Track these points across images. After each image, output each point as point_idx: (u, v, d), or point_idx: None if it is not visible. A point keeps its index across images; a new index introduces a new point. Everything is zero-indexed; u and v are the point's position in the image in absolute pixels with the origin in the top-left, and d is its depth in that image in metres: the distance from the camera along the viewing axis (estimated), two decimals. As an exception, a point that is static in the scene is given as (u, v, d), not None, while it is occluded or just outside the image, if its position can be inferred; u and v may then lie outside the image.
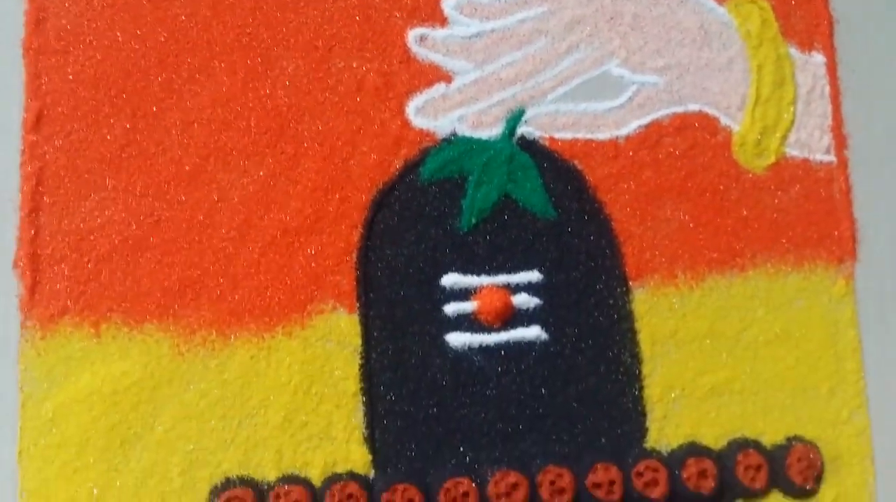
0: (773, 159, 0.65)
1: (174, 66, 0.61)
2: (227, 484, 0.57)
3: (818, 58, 0.66)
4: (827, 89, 0.66)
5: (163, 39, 0.62)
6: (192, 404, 0.58)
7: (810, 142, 0.65)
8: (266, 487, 0.57)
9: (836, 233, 0.65)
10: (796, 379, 0.62)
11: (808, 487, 0.61)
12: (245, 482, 0.57)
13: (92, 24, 0.61)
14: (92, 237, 0.59)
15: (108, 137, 0.60)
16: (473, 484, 0.58)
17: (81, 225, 0.59)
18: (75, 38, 0.61)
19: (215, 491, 0.57)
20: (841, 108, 0.67)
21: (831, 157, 0.65)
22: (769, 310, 0.63)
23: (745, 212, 0.64)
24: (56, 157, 0.60)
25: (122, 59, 0.61)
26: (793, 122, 0.65)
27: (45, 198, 0.59)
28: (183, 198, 0.60)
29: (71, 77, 0.61)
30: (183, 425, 0.57)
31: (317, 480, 0.58)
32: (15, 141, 0.60)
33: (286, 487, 0.57)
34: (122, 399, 0.57)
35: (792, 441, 0.62)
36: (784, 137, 0.65)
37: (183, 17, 0.62)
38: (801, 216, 0.64)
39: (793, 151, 0.65)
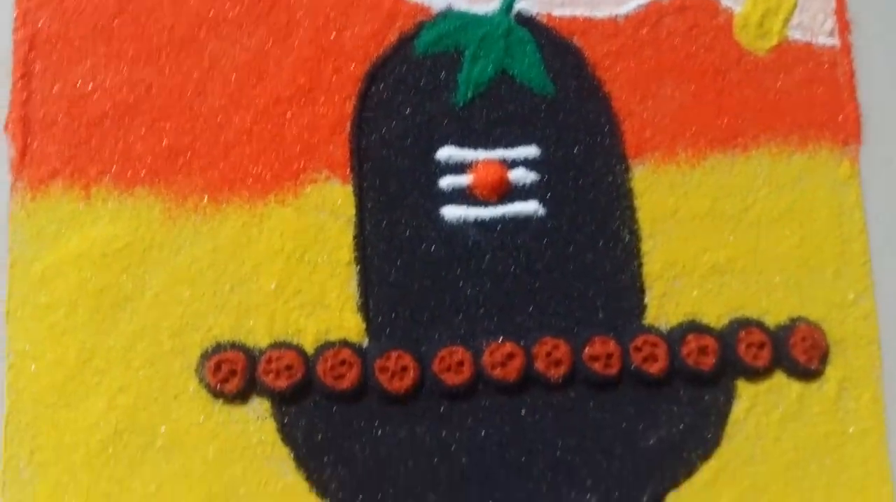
0: (775, 41, 0.64)
1: (168, -66, 0.61)
2: (218, 348, 0.56)
3: (821, -60, 0.65)
4: (830, -28, 0.65)
5: None
6: (182, 268, 0.57)
7: (813, 26, 0.64)
8: (258, 352, 0.56)
9: (840, 116, 0.63)
10: (800, 259, 0.61)
11: (812, 367, 0.60)
12: (236, 346, 0.56)
13: None
14: (83, 102, 0.59)
15: (101, 4, 0.59)
16: (468, 354, 0.57)
17: (73, 90, 0.59)
18: None
19: (206, 355, 0.56)
20: (844, -9, 0.65)
21: (834, 41, 0.64)
22: (772, 189, 0.62)
23: (747, 93, 0.63)
24: (49, 24, 0.60)
25: (115, -74, 0.61)
26: (795, 4, 0.65)
27: (37, 63, 0.59)
28: (174, 65, 0.59)
29: (64, -56, 0.60)
30: (173, 289, 0.57)
31: (309, 347, 0.57)
32: (8, 7, 0.59)
33: (278, 352, 0.55)
34: (112, 262, 0.56)
35: (796, 321, 0.60)
36: (786, 20, 0.64)
37: None
38: (804, 99, 0.63)
39: (795, 34, 0.64)
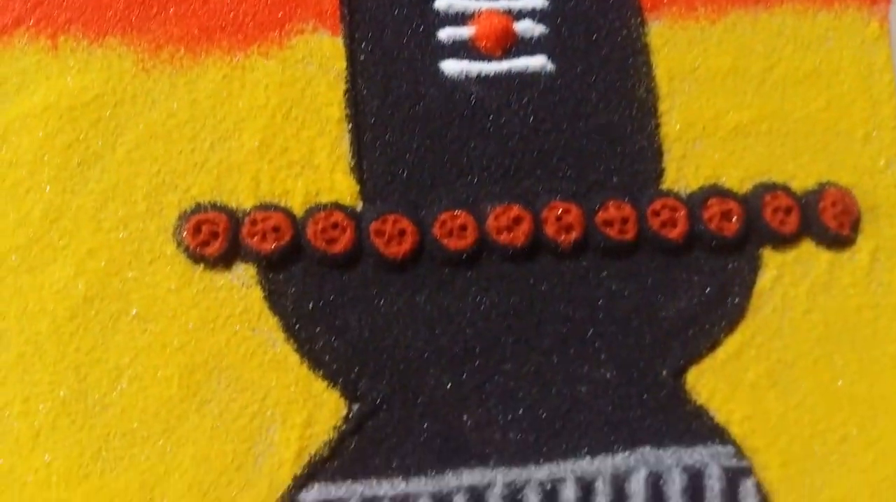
0: None
1: None
2: (198, 208, 0.51)
3: None
4: None
5: None
6: (158, 124, 0.52)
7: None
8: (241, 214, 0.51)
9: (868, -29, 0.58)
10: (828, 121, 0.56)
11: (843, 234, 0.56)
12: (218, 207, 0.51)
13: None
14: (49, -59, 0.53)
15: None
16: (471, 218, 0.51)
17: (37, -70, 0.53)
18: None
19: (184, 216, 0.50)
20: None
21: None
22: (798, 48, 0.57)
23: (770, -56, 0.57)
24: None
25: None
26: None
27: None
28: None
29: None
30: (148, 146, 0.51)
31: (298, 210, 0.51)
32: None
33: (264, 213, 0.50)
34: (81, 115, 0.51)
35: (825, 186, 0.56)
36: None
37: None
38: (830, -50, 0.58)
39: None
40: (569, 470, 0.51)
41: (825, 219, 0.55)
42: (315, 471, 0.50)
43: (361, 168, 0.53)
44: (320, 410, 0.51)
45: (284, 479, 0.50)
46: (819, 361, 0.54)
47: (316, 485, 0.50)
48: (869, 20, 0.58)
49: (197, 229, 0.51)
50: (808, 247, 0.55)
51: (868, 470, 0.54)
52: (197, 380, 0.50)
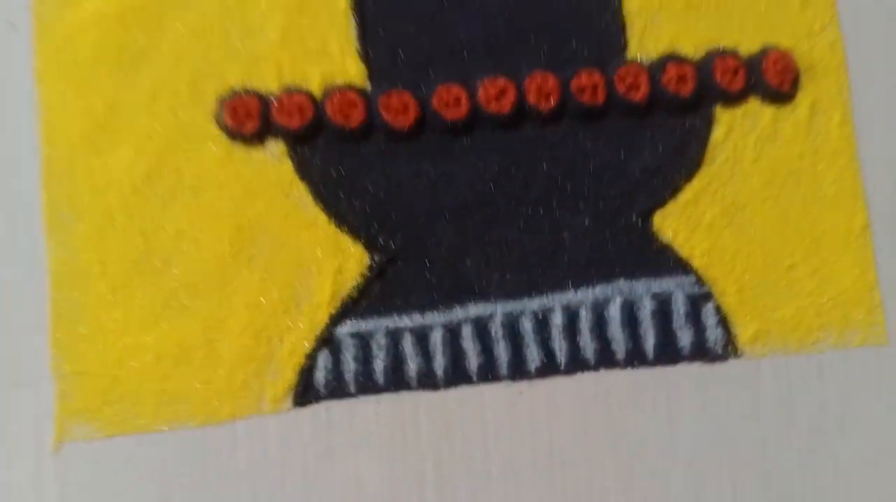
0: None
1: None
2: (233, 94, 0.60)
3: None
4: None
5: None
6: (194, 22, 0.60)
7: None
8: (270, 97, 0.60)
9: None
10: (770, -9, 0.63)
11: (784, 90, 0.63)
12: (250, 92, 0.60)
13: None
14: None
15: None
16: (464, 90, 0.61)
17: None
18: None
19: (222, 101, 0.59)
20: None
21: None
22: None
23: None
24: None
25: None
26: None
27: None
28: None
29: None
30: (187, 42, 0.60)
31: (317, 91, 0.60)
32: None
33: (289, 95, 0.59)
34: (129, 20, 0.60)
35: (767, 48, 0.63)
36: None
37: None
38: None
39: None
40: (557, 301, 0.61)
41: (768, 78, 0.63)
42: (347, 310, 0.60)
43: (367, 53, 0.62)
44: (348, 261, 0.60)
45: (322, 318, 0.60)
46: (767, 202, 0.62)
47: (349, 321, 0.60)
48: None
49: (234, 111, 0.60)
50: (754, 103, 0.63)
51: (813, 293, 0.60)
52: (244, 239, 0.60)
